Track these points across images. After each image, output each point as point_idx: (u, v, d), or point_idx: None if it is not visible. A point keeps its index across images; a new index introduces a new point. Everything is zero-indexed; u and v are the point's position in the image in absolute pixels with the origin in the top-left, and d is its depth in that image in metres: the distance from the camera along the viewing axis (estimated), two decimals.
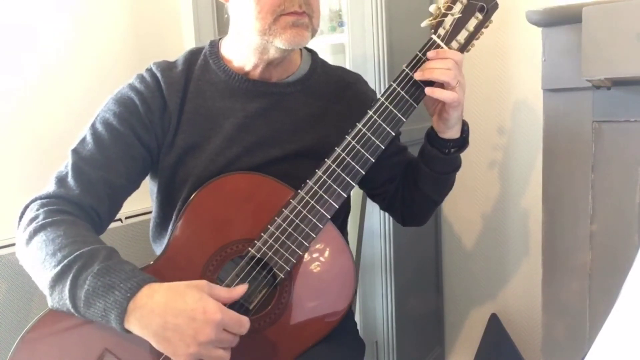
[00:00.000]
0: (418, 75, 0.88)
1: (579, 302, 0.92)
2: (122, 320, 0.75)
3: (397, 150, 1.06)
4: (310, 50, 1.06)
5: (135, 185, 0.95)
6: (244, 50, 0.95)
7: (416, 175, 1.01)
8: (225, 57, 0.99)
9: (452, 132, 0.95)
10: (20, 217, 0.88)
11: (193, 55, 1.00)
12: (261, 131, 0.96)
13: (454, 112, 0.91)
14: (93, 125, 0.93)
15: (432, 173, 0.99)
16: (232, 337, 0.78)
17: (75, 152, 0.91)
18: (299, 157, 0.96)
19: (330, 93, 1.02)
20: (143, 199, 1.03)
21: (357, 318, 1.37)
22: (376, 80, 1.35)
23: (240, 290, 0.82)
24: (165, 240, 0.97)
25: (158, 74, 0.95)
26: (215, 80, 0.97)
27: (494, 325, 1.59)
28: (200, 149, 0.94)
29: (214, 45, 1.01)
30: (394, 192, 1.08)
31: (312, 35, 0.93)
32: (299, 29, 0.89)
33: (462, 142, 0.98)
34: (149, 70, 0.97)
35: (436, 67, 0.87)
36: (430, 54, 0.89)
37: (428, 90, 0.89)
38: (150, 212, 1.03)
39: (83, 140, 0.92)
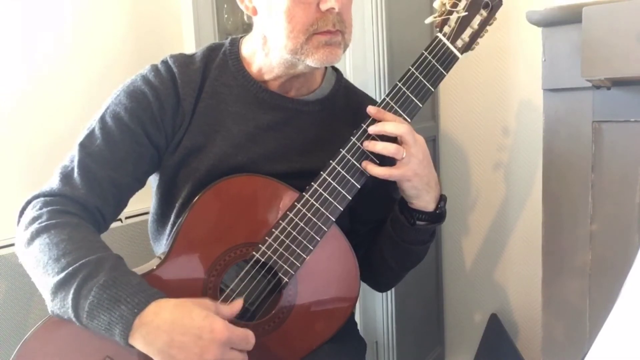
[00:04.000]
0: (365, 145, 0.86)
1: (579, 302, 0.92)
2: (127, 335, 0.73)
3: (392, 191, 0.98)
4: (336, 70, 1.02)
5: (141, 184, 0.93)
6: (268, 61, 0.92)
7: (381, 232, 0.97)
8: (246, 59, 0.95)
9: (420, 203, 0.90)
10: (21, 213, 0.85)
11: (212, 52, 0.96)
12: (269, 145, 0.93)
13: (404, 183, 0.87)
14: (102, 119, 0.89)
15: (394, 236, 0.94)
16: (241, 356, 0.76)
17: (82, 146, 0.87)
18: (304, 176, 0.91)
19: (347, 118, 0.97)
20: (143, 199, 1.03)
21: (357, 318, 1.37)
22: (376, 80, 1.35)
23: (237, 304, 0.81)
24: (165, 239, 0.96)
25: (175, 69, 0.91)
26: (231, 83, 0.93)
27: (494, 325, 1.59)
28: (204, 151, 0.91)
29: (235, 44, 0.96)
30: (366, 251, 1.00)
31: (344, 51, 0.90)
32: (332, 47, 0.86)
33: (434, 216, 0.92)
34: (165, 63, 0.93)
35: (381, 142, 0.85)
36: (371, 127, 0.86)
37: (364, 164, 0.86)
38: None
39: (91, 133, 0.88)
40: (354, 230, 0.99)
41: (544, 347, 0.97)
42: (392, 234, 0.94)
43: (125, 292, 0.74)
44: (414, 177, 0.86)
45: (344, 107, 0.99)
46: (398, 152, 0.85)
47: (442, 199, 0.93)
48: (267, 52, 0.92)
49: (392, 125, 0.86)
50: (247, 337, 0.76)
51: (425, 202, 0.90)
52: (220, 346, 0.73)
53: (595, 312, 0.91)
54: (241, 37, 0.98)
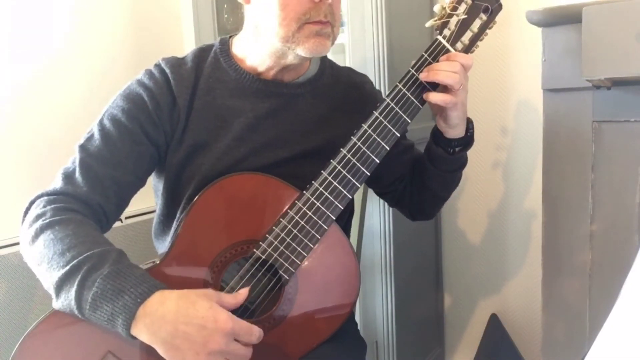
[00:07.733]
0: (423, 76, 0.88)
1: (579, 302, 0.92)
2: (130, 325, 0.74)
3: (404, 148, 1.06)
4: None
5: (142, 182, 0.94)
6: (260, 52, 0.94)
7: (423, 173, 1.03)
8: (237, 55, 0.98)
9: (455, 132, 0.95)
10: (25, 213, 0.86)
11: (203, 53, 0.99)
12: (270, 132, 0.95)
13: (452, 112, 0.91)
14: (101, 122, 0.92)
15: (438, 171, 1.01)
16: (244, 349, 0.76)
17: (82, 148, 0.90)
18: (306, 158, 0.96)
19: (339, 94, 1.02)
20: (143, 198, 1.03)
21: (357, 318, 1.37)
22: (376, 80, 1.35)
23: (243, 293, 0.81)
24: (169, 239, 0.97)
25: (167, 70, 0.94)
26: (225, 78, 0.96)
27: (494, 325, 1.59)
28: (208, 147, 0.93)
29: (225, 43, 0.99)
30: (403, 190, 1.09)
31: (332, 44, 0.92)
32: (321, 38, 0.88)
33: (467, 140, 0.98)
34: (158, 66, 0.96)
35: (442, 70, 0.87)
36: (441, 58, 0.89)
37: (425, 95, 0.89)
38: (150, 212, 1.03)
39: (91, 136, 0.91)
40: (394, 190, 1.09)
41: (544, 347, 0.97)
42: (434, 170, 1.01)
43: (128, 283, 0.75)
44: (462, 107, 0.91)
45: (334, 83, 1.03)
46: (459, 82, 0.88)
47: (469, 121, 0.98)
48: (258, 42, 0.94)
49: (464, 57, 0.89)
50: (251, 330, 0.76)
51: (459, 130, 0.95)
52: (224, 336, 0.73)
53: (595, 312, 0.91)
54: (230, 37, 1.01)
